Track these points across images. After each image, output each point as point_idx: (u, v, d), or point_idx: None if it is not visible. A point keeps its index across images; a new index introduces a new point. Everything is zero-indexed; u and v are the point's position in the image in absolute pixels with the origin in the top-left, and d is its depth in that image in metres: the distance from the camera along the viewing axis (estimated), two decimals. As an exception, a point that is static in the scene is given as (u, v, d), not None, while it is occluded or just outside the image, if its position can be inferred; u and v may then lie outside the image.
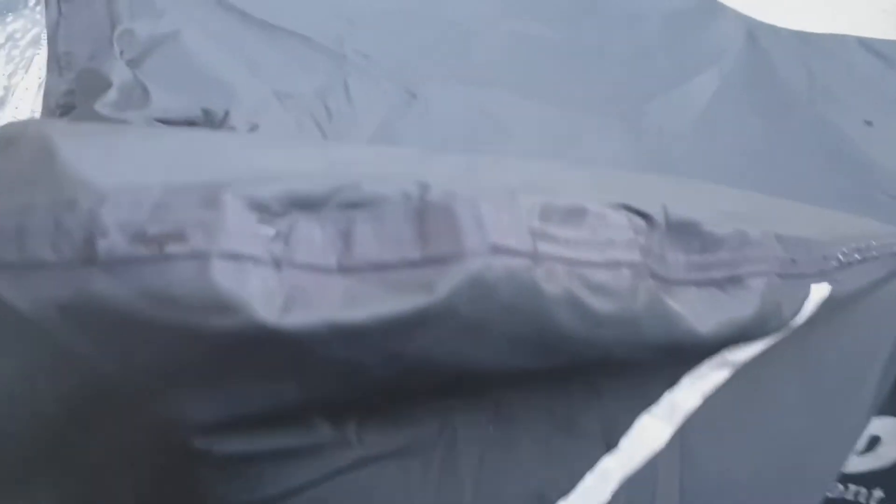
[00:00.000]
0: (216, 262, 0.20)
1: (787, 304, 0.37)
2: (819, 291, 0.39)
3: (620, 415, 0.35)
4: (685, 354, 0.32)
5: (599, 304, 0.26)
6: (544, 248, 0.25)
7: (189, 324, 0.20)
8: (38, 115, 0.43)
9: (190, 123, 0.42)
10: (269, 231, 0.22)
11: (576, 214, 0.26)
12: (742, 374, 0.38)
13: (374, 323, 0.22)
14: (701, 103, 0.60)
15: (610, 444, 0.35)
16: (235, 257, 0.21)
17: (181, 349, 0.21)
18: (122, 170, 0.22)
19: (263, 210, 0.22)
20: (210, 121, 0.42)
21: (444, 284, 0.22)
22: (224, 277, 0.20)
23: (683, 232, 0.32)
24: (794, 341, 0.40)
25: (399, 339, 0.22)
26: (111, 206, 0.20)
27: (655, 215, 0.30)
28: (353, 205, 0.23)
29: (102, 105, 0.41)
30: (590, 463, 0.35)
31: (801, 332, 0.39)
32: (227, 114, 0.42)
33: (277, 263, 0.22)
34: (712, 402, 0.39)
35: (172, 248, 0.20)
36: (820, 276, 0.39)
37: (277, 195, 0.22)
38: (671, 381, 0.36)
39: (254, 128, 0.42)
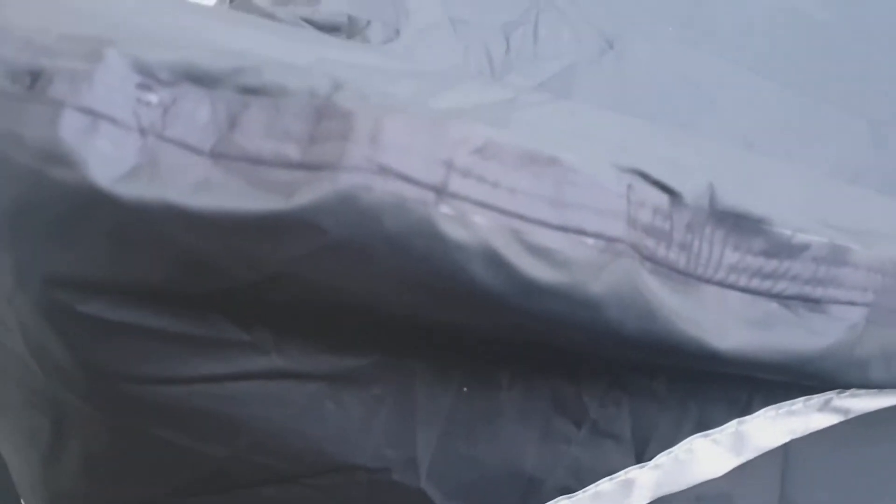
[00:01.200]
0: (68, 112, 0.20)
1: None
2: None
3: (659, 427, 0.30)
4: (719, 372, 0.26)
5: (536, 269, 0.22)
6: (461, 186, 0.21)
7: (33, 169, 0.20)
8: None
9: (333, 29, 0.42)
10: (151, 98, 0.21)
11: (537, 163, 0.22)
12: (865, 428, 0.32)
13: (215, 215, 0.20)
14: None
15: (641, 455, 0.30)
16: (91, 113, 0.20)
17: (27, 194, 0.20)
18: (53, 18, 0.22)
19: (149, 75, 0.21)
20: (352, 28, 0.41)
21: (306, 194, 0.20)
22: (69, 130, 0.20)
23: (739, 225, 0.26)
24: None
25: (252, 242, 0.20)
26: (1, 41, 0.20)
27: (691, 195, 0.24)
28: (253, 90, 0.21)
29: (260, -3, 0.42)
30: (609, 467, 0.30)
31: None
32: (368, 23, 0.41)
33: (143, 131, 0.20)
34: (823, 455, 0.33)
35: (37, 91, 0.20)
36: None
37: (170, 63, 0.21)
38: (743, 407, 0.30)
39: (388, 41, 0.41)
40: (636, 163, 0.25)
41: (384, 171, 0.21)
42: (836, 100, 0.49)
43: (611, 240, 0.23)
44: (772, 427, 0.31)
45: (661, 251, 0.24)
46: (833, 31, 0.53)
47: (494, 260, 0.22)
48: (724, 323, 0.25)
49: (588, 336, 0.24)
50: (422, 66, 0.30)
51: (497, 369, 0.28)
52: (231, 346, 0.24)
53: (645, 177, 0.24)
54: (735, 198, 0.26)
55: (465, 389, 0.28)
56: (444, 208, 0.21)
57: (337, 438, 0.27)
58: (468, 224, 0.21)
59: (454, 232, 0.21)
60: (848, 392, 0.31)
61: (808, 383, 0.29)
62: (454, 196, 0.21)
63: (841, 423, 0.32)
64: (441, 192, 0.21)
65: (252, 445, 0.27)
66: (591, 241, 0.23)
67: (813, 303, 0.27)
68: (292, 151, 0.21)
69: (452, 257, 0.21)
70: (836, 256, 0.27)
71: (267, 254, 0.21)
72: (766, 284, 0.27)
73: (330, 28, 0.43)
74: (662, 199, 0.25)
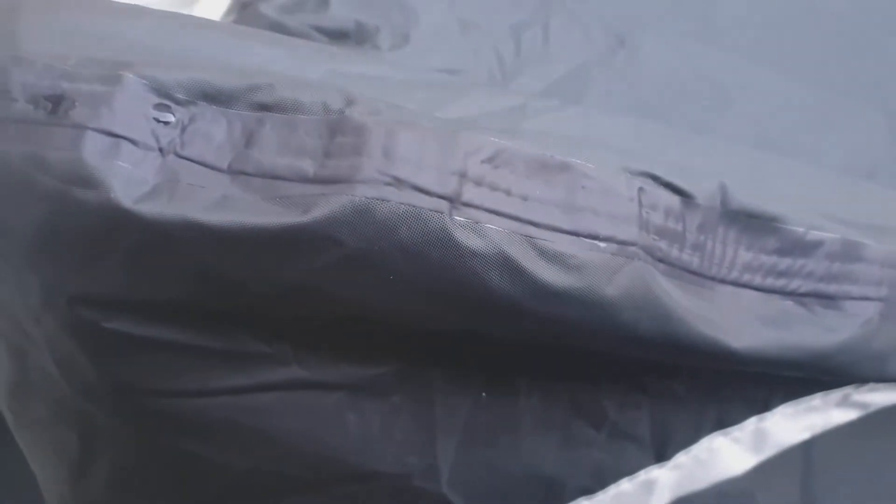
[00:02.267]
0: (91, 135, 0.20)
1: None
2: None
3: (678, 426, 0.31)
4: (738, 370, 0.26)
5: (550, 274, 0.22)
6: (475, 195, 0.21)
7: (57, 191, 0.20)
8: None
9: (342, 35, 0.42)
10: (169, 117, 0.21)
11: (549, 170, 0.22)
12: (883, 422, 0.32)
13: (234, 231, 0.20)
14: None
15: (661, 454, 0.30)
16: (112, 135, 0.21)
17: (53, 215, 0.21)
18: (71, 42, 0.23)
19: (165, 95, 0.21)
20: (361, 34, 0.42)
21: (322, 208, 0.20)
22: (92, 152, 0.20)
23: (751, 225, 0.26)
24: None
25: (271, 256, 0.21)
26: (22, 68, 0.21)
27: (703, 196, 0.25)
28: (267, 107, 0.22)
29: (268, 6, 0.42)
30: (629, 467, 0.30)
31: None
32: (377, 29, 0.41)
33: (163, 151, 0.21)
34: (844, 450, 0.33)
35: (59, 115, 0.20)
36: None
37: (186, 83, 0.22)
38: (761, 405, 0.30)
39: (395, 47, 0.41)
40: (647, 166, 0.25)
41: (399, 182, 0.21)
42: (852, 92, 0.49)
43: (623, 243, 0.23)
44: (791, 423, 0.31)
45: (674, 253, 0.25)
46: (849, 22, 0.53)
47: (509, 266, 0.22)
48: (739, 322, 0.26)
49: (604, 338, 0.24)
50: (430, 74, 0.30)
51: (515, 376, 0.29)
52: (253, 358, 0.25)
53: (656, 179, 0.25)
54: (747, 197, 0.26)
55: (483, 396, 0.29)
56: (459, 217, 0.21)
57: (358, 447, 0.28)
58: (482, 232, 0.22)
59: (469, 240, 0.21)
60: (866, 386, 0.31)
61: (825, 379, 0.29)
62: (468, 205, 0.22)
63: (863, 419, 0.32)
64: (455, 201, 0.22)
65: (276, 456, 0.27)
66: (603, 244, 0.23)
67: (827, 299, 0.27)
68: (308, 166, 0.21)
69: (468, 265, 0.22)
70: (850, 252, 0.27)
71: (286, 267, 0.21)
72: (780, 282, 0.27)
73: (339, 34, 0.43)
74: (674, 200, 0.25)
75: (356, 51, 0.39)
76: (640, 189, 0.24)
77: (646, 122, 0.35)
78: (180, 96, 0.21)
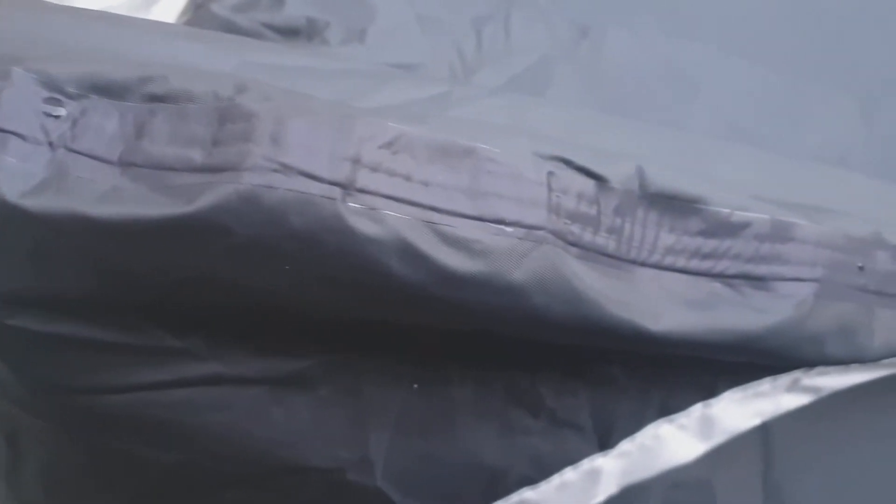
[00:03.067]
0: None
1: (884, 331, 0.30)
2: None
3: (620, 413, 0.30)
4: (662, 354, 0.26)
5: (454, 260, 0.22)
6: (370, 181, 0.21)
7: None
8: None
9: (293, 32, 0.42)
10: (59, 111, 0.21)
11: (452, 155, 0.22)
12: (840, 407, 0.32)
13: (121, 223, 0.20)
14: None
15: (604, 442, 0.30)
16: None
17: None
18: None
19: (56, 89, 0.21)
20: (311, 30, 0.42)
21: (208, 197, 0.20)
22: (-24, 146, 0.20)
23: (673, 207, 0.26)
24: None
25: (162, 247, 0.21)
26: None
27: (619, 179, 0.24)
28: (159, 98, 0.22)
29: (220, 6, 0.42)
30: (572, 456, 0.30)
31: None
32: (328, 24, 0.41)
33: (53, 144, 0.21)
34: (804, 434, 0.32)
35: None
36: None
37: (78, 77, 0.22)
38: (707, 391, 0.30)
39: (347, 42, 0.41)
40: (561, 151, 0.24)
41: (287, 169, 0.21)
42: (823, 78, 0.48)
43: (531, 227, 0.23)
44: (739, 409, 0.31)
45: (587, 236, 0.24)
46: (818, 8, 0.52)
47: (410, 253, 0.22)
48: (659, 305, 0.25)
49: (516, 324, 0.24)
50: (360, 65, 0.30)
51: (447, 365, 0.28)
52: (167, 353, 0.25)
53: (568, 163, 0.24)
54: (667, 179, 0.26)
55: (415, 386, 0.28)
56: (353, 204, 0.21)
57: (286, 441, 0.27)
58: (379, 218, 0.21)
59: (364, 226, 0.21)
60: (815, 370, 0.30)
61: (761, 362, 0.28)
62: (363, 191, 0.21)
63: (816, 403, 0.31)
64: (348, 187, 0.21)
65: (204, 450, 0.27)
66: (510, 229, 0.23)
67: (757, 281, 0.27)
68: (196, 155, 0.21)
69: (365, 252, 0.21)
70: (780, 233, 0.27)
71: (177, 258, 0.21)
72: (706, 265, 0.26)
73: (290, 31, 0.43)
74: (587, 184, 0.24)
75: (287, 45, 0.38)
76: (550, 173, 0.23)
77: (585, 111, 0.35)
78: (72, 90, 0.21)
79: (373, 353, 0.27)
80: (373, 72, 0.28)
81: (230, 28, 0.43)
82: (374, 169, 0.22)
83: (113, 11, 0.45)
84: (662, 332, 0.25)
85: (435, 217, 0.22)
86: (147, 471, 0.27)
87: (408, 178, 0.22)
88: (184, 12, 0.45)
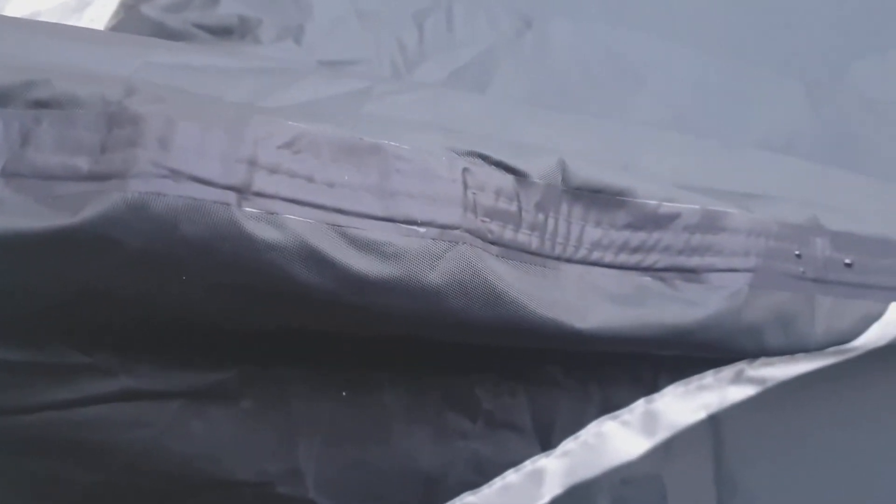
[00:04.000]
0: None
1: (826, 319, 0.29)
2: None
3: (560, 412, 0.29)
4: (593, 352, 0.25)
5: (364, 264, 0.21)
6: (268, 184, 0.20)
7: None
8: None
9: (225, 31, 0.41)
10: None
11: (358, 153, 0.21)
12: (789, 396, 0.31)
13: (4, 236, 0.19)
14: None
15: (546, 442, 0.29)
16: None
17: None
18: None
19: None
20: (243, 28, 0.40)
21: (94, 207, 0.19)
22: None
23: (598, 200, 0.25)
24: (870, 373, 0.32)
25: (50, 261, 0.19)
26: None
27: (540, 174, 0.23)
28: (44, 103, 0.20)
29: (150, 7, 0.41)
30: (513, 458, 0.29)
31: (882, 363, 0.31)
32: (260, 22, 0.40)
33: None
34: (754, 424, 0.32)
35: None
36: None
37: (-43, 85, 0.20)
38: (649, 385, 0.29)
39: (281, 39, 0.40)
40: (478, 146, 0.23)
41: (176, 174, 0.20)
42: (771, 63, 0.47)
43: (445, 227, 0.22)
44: (683, 403, 0.30)
45: (507, 234, 0.23)
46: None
47: (315, 258, 0.21)
48: (586, 302, 0.24)
49: (436, 327, 0.23)
50: (275, 63, 0.28)
51: (376, 370, 0.27)
52: (74, 370, 0.24)
53: (485, 159, 0.23)
54: (591, 172, 0.25)
55: (344, 394, 0.27)
56: (250, 208, 0.20)
57: (209, 456, 0.26)
58: (279, 223, 0.20)
59: (263, 232, 0.20)
60: (759, 361, 0.29)
61: (699, 355, 0.27)
62: (260, 195, 0.20)
63: (764, 393, 0.31)
64: (244, 191, 0.20)
65: (124, 469, 0.26)
66: (422, 229, 0.22)
67: (689, 273, 0.26)
68: (83, 163, 0.20)
69: (266, 259, 0.20)
70: (711, 223, 0.26)
71: (66, 272, 0.20)
72: (634, 258, 0.26)
73: (221, 31, 0.42)
74: (506, 180, 0.23)
75: (212, 45, 0.37)
76: (465, 169, 0.22)
77: (510, 104, 0.34)
78: None
79: (297, 361, 0.26)
80: (286, 69, 0.27)
81: (160, 29, 0.42)
82: (273, 171, 0.20)
83: (44, 16, 0.44)
84: (590, 329, 0.24)
85: (341, 219, 0.21)
86: (65, 492, 0.26)
87: (310, 179, 0.21)
88: (115, 14, 0.43)
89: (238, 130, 0.20)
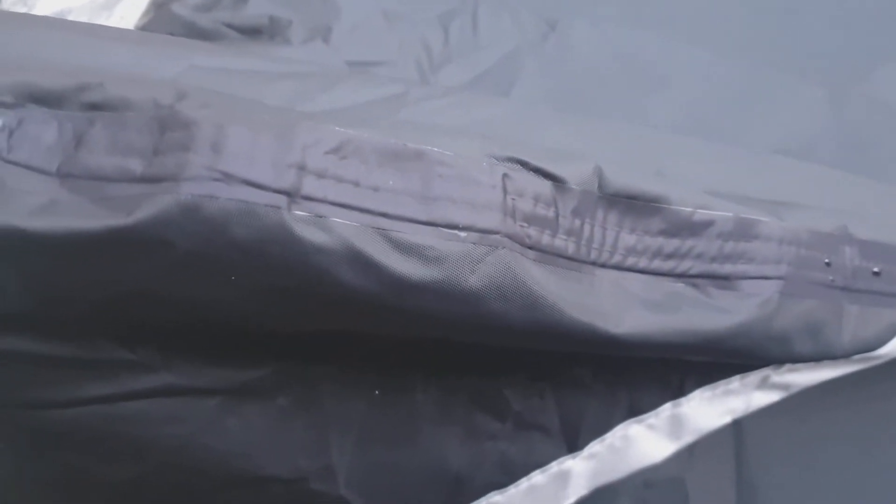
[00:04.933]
0: None
1: (853, 327, 0.29)
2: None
3: (587, 414, 0.30)
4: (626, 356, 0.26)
5: (406, 267, 0.21)
6: (317, 188, 0.20)
7: None
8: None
9: (255, 31, 0.41)
10: (-6, 122, 0.20)
11: (402, 159, 0.21)
12: (812, 403, 0.31)
13: (59, 236, 0.19)
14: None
15: (572, 444, 0.29)
16: None
17: None
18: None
19: None
20: (273, 29, 0.41)
21: (147, 208, 0.19)
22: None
23: (633, 207, 0.25)
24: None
25: (102, 261, 0.20)
26: None
27: (577, 180, 0.24)
28: (98, 106, 0.21)
29: (181, 6, 0.42)
30: (540, 459, 0.29)
31: None
32: (290, 23, 0.41)
33: None
34: (776, 430, 0.32)
35: None
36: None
37: (11, 86, 0.21)
38: (676, 390, 0.29)
39: (309, 40, 0.40)
40: (516, 152, 0.24)
41: (228, 178, 0.20)
42: (792, 68, 0.47)
43: (485, 231, 0.22)
44: (709, 408, 0.30)
45: (545, 239, 0.24)
46: (786, -1, 0.51)
47: (360, 261, 0.21)
48: (621, 307, 0.25)
49: (474, 330, 0.23)
50: (312, 66, 0.29)
51: (410, 371, 0.28)
52: (117, 366, 0.24)
53: (524, 165, 0.24)
54: (626, 179, 0.25)
55: (377, 393, 0.28)
56: (299, 212, 0.20)
57: (244, 452, 0.27)
58: (327, 226, 0.21)
59: (312, 235, 0.21)
60: (785, 367, 0.30)
61: (728, 361, 0.28)
62: (309, 199, 0.21)
63: (787, 399, 0.31)
64: (293, 195, 0.21)
65: (159, 464, 0.27)
66: (463, 234, 0.22)
67: (722, 280, 0.26)
68: (136, 165, 0.20)
69: (314, 261, 0.21)
70: (744, 230, 0.26)
71: (118, 272, 0.20)
72: (668, 265, 0.26)
73: (252, 31, 0.42)
74: (544, 186, 0.24)
75: (244, 45, 0.38)
76: (505, 175, 0.23)
77: (540, 109, 0.34)
78: (7, 99, 0.21)
79: (332, 360, 0.27)
80: (324, 72, 0.28)
81: (191, 28, 0.42)
82: (321, 175, 0.21)
83: (74, 13, 0.45)
84: (624, 334, 0.24)
85: (385, 223, 0.21)
86: (101, 488, 0.27)
87: (356, 184, 0.21)
88: (145, 13, 0.44)
89: (287, 136, 0.21)
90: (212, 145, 0.20)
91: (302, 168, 0.21)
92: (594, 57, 0.47)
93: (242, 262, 0.20)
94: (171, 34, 0.43)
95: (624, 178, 0.25)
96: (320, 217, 0.21)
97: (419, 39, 0.47)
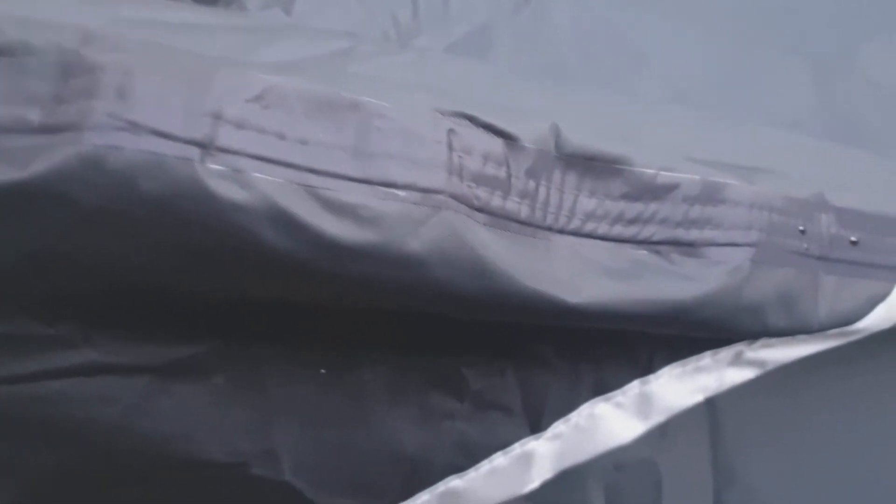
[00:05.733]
0: None
1: (830, 298, 0.28)
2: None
3: (551, 393, 0.28)
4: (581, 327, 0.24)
5: (338, 228, 0.19)
6: (235, 139, 0.18)
7: None
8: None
9: (210, -1, 0.39)
10: None
11: (335, 109, 0.19)
12: (789, 380, 0.30)
13: None
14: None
15: (535, 424, 0.28)
16: None
17: None
18: None
19: None
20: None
21: (45, 160, 0.17)
22: None
23: (593, 168, 0.23)
24: (874, 358, 0.30)
25: (-1, 220, 0.18)
26: None
27: (531, 138, 0.22)
28: None
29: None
30: (502, 440, 0.28)
31: (886, 347, 0.30)
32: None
33: None
34: (752, 408, 0.30)
35: None
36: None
37: None
38: (644, 367, 0.27)
39: (267, 7, 0.38)
40: (466, 107, 0.22)
41: (135, 127, 0.18)
42: (777, 44, 0.46)
43: (427, 191, 0.20)
44: (680, 385, 0.29)
45: (496, 201, 0.22)
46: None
47: (285, 221, 0.19)
48: (579, 275, 0.23)
49: (417, 298, 0.21)
50: (256, 21, 0.27)
51: (357, 347, 0.26)
52: (34, 342, 0.22)
53: (473, 120, 0.22)
54: (585, 139, 0.23)
55: (322, 372, 0.26)
56: (214, 165, 0.18)
57: (181, 434, 0.25)
58: (246, 182, 0.19)
59: (228, 191, 0.19)
60: (759, 342, 0.28)
61: (697, 334, 0.26)
62: (225, 150, 0.19)
63: (763, 377, 0.29)
64: (208, 146, 0.19)
65: (90, 447, 0.25)
66: (403, 193, 0.20)
67: (687, 246, 0.24)
68: (34, 115, 0.18)
69: (231, 220, 0.19)
70: (711, 194, 0.24)
71: (18, 232, 0.18)
72: (630, 230, 0.24)
73: (207, -1, 0.40)
74: (495, 143, 0.22)
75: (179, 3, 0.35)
76: (451, 131, 0.21)
77: (505, 70, 0.32)
78: None
79: (272, 337, 0.25)
80: (269, 27, 0.25)
81: (143, -5, 0.40)
82: (240, 125, 0.19)
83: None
84: (583, 304, 0.22)
85: (314, 180, 0.19)
86: (30, 472, 0.25)
87: (281, 136, 0.19)
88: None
89: (203, 82, 0.19)
90: (117, 91, 0.18)
91: (218, 117, 0.19)
92: (572, 31, 0.46)
93: (153, 220, 0.18)
94: None
95: (584, 138, 0.23)
96: (238, 171, 0.19)
97: (387, 10, 0.45)
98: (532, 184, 0.23)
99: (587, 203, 0.24)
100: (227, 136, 0.19)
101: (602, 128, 0.27)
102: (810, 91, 0.44)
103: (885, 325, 0.27)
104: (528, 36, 0.46)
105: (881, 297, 0.27)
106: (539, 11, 0.46)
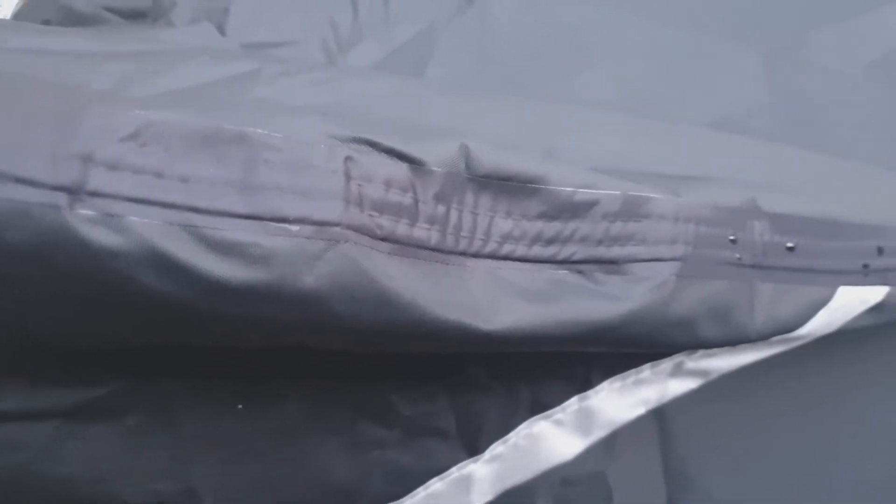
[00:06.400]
0: None
1: (767, 307, 0.27)
2: (853, 296, 0.28)
3: (486, 414, 0.27)
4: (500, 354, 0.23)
5: (226, 269, 0.18)
6: (107, 182, 0.17)
7: None
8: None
9: (138, 14, 0.38)
10: None
11: (219, 143, 0.18)
12: (736, 387, 0.29)
13: None
14: (890, 41, 0.43)
15: (472, 447, 0.27)
16: None
17: None
18: None
19: None
20: (157, 11, 0.37)
21: None
22: None
23: (507, 189, 0.22)
24: (820, 358, 0.30)
25: None
26: None
27: (439, 161, 0.21)
28: None
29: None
30: (438, 466, 0.27)
31: (832, 347, 0.29)
32: (173, 4, 0.37)
33: None
34: (701, 416, 0.30)
35: None
36: (855, 276, 0.28)
37: None
38: (582, 382, 0.27)
39: (196, 21, 0.37)
40: (367, 131, 0.21)
41: None
42: (726, 33, 0.45)
43: (322, 224, 0.19)
44: (620, 399, 0.28)
45: (401, 229, 0.21)
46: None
47: (164, 264, 0.18)
48: (495, 300, 0.22)
49: (322, 335, 0.20)
50: (164, 45, 0.25)
51: (276, 379, 0.25)
52: None
53: (374, 146, 0.20)
54: (498, 158, 0.22)
55: (240, 407, 0.24)
56: (85, 210, 0.17)
57: (95, 477, 0.24)
58: (120, 226, 0.17)
59: (101, 237, 0.17)
60: (699, 353, 0.27)
61: (627, 351, 0.25)
62: (97, 194, 0.17)
63: (708, 385, 0.28)
64: (77, 191, 0.17)
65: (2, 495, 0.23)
66: (295, 227, 0.19)
67: (610, 264, 0.23)
68: None
69: (108, 267, 0.17)
70: (633, 210, 0.23)
71: None
72: (549, 251, 0.23)
73: (134, 14, 0.39)
74: (399, 169, 0.21)
75: (78, 29, 0.34)
76: (348, 158, 0.20)
77: (425, 83, 0.31)
78: None
79: (183, 374, 0.24)
80: (173, 51, 0.24)
81: (68, 13, 0.39)
82: (113, 167, 0.18)
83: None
84: (498, 330, 0.22)
85: (196, 219, 0.18)
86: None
87: (159, 175, 0.18)
88: (22, -2, 0.40)
89: (71, 122, 0.17)
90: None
91: (88, 159, 0.18)
92: (517, 29, 0.44)
93: (25, 272, 0.17)
94: (48, 21, 0.39)
95: (496, 158, 0.22)
96: (111, 216, 0.17)
97: (326, 17, 0.44)
98: (442, 208, 0.21)
99: (503, 224, 0.23)
100: (98, 179, 0.18)
101: (523, 141, 0.26)
102: (762, 81, 0.43)
103: (829, 329, 0.26)
104: (473, 36, 0.45)
105: (822, 303, 0.26)
106: (483, 11, 0.45)
